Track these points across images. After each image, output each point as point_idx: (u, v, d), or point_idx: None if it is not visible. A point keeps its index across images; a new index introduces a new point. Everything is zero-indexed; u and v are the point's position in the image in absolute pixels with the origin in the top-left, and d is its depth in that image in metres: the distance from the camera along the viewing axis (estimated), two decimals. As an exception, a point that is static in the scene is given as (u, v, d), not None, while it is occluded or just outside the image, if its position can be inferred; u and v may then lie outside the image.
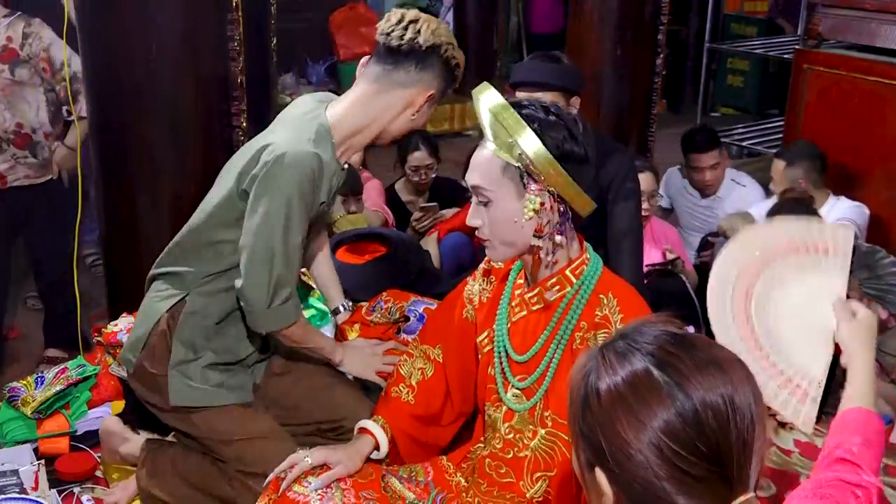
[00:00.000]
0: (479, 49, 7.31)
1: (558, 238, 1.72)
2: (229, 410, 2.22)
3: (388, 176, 4.48)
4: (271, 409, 2.33)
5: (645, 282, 3.45)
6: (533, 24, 7.85)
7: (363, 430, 1.99)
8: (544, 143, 1.64)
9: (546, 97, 2.75)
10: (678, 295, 3.40)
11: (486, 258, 1.97)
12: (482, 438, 1.97)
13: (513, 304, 1.88)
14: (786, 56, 5.05)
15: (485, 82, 1.73)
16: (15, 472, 2.40)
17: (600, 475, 1.04)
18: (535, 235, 1.71)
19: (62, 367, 2.87)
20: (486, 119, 1.69)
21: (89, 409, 2.79)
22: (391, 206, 4.13)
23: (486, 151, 1.71)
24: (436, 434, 2.06)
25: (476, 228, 1.77)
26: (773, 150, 4.78)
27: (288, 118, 2.19)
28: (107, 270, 3.10)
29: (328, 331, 3.00)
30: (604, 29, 3.89)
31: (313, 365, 2.38)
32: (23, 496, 2.28)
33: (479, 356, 1.95)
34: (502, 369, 1.87)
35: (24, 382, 2.83)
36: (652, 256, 3.69)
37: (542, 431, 1.80)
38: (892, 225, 3.82)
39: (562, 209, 1.70)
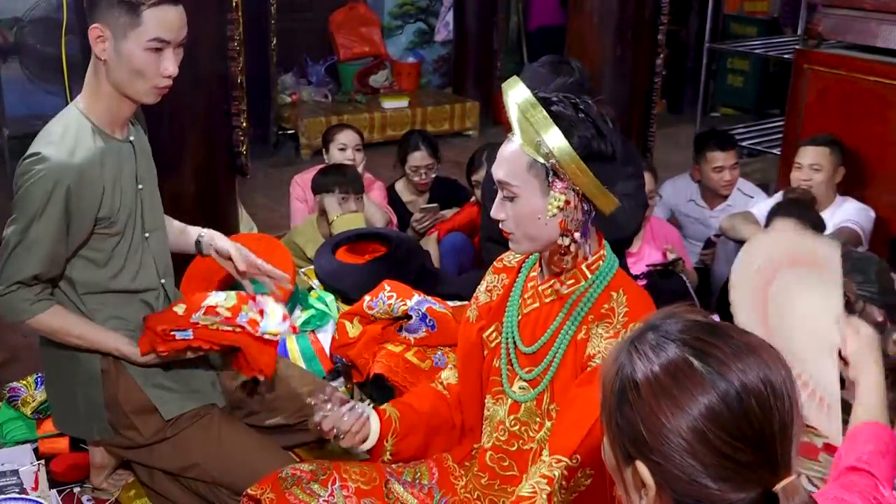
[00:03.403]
0: (479, 49, 7.29)
1: (577, 236, 1.72)
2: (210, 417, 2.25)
3: (388, 176, 4.48)
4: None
5: (645, 282, 3.46)
6: (532, 18, 7.83)
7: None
8: (571, 142, 1.63)
9: None
10: (678, 295, 3.40)
11: (497, 257, 2.00)
12: (483, 433, 1.96)
13: (525, 295, 1.88)
14: (786, 56, 5.04)
15: (515, 77, 1.72)
16: (15, 472, 2.40)
17: (642, 468, 1.03)
18: (560, 234, 1.71)
19: (62, 367, 2.87)
20: (513, 114, 1.68)
21: (89, 409, 2.79)
22: (392, 207, 4.14)
23: (513, 146, 1.71)
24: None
25: (500, 221, 1.77)
26: (774, 150, 4.77)
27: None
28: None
29: (328, 330, 3.01)
30: (604, 29, 3.88)
31: None
32: (23, 496, 2.28)
33: (486, 351, 1.94)
34: (510, 360, 1.87)
35: (24, 382, 2.83)
36: (652, 256, 3.69)
37: (549, 423, 1.79)
38: (893, 225, 3.82)
39: (585, 208, 1.71)
